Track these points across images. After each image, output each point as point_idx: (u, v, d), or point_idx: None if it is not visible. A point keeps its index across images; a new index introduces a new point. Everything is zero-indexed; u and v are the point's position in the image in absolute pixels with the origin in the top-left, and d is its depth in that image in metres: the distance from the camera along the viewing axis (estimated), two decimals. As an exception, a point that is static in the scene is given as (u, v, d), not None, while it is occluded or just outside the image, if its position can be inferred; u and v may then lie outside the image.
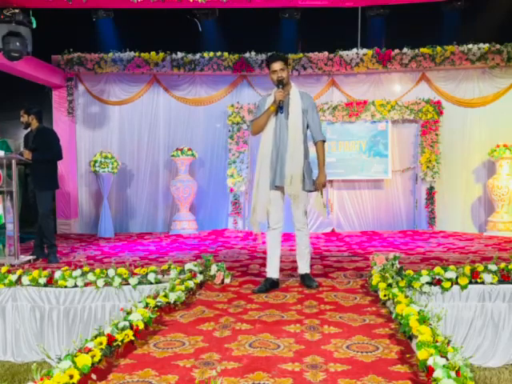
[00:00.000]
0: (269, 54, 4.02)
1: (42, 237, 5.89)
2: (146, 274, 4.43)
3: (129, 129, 8.97)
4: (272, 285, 4.37)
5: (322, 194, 4.36)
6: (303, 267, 4.47)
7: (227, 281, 4.61)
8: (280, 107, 4.19)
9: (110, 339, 2.87)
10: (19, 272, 4.51)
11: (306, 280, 4.44)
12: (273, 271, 4.40)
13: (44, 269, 4.66)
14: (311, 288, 4.34)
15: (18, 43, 5.95)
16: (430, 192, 8.42)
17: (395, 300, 3.55)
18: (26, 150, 5.68)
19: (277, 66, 4.16)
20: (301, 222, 4.34)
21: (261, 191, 4.23)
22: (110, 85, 8.89)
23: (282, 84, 4.17)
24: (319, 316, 3.61)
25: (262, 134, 4.27)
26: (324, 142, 4.34)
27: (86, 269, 4.50)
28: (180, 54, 8.55)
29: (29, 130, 5.98)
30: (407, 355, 2.82)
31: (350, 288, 4.41)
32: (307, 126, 4.33)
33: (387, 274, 4.16)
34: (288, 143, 4.17)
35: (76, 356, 2.59)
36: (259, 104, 4.43)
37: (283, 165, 4.18)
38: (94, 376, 2.54)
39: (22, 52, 6.06)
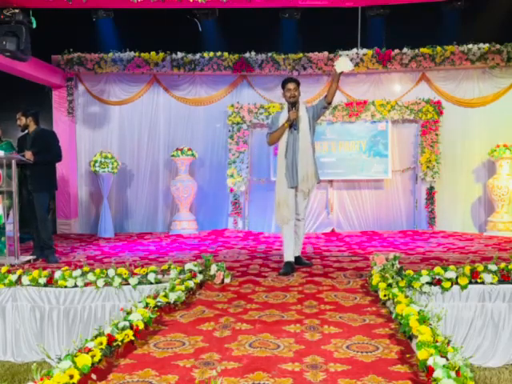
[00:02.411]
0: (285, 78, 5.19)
1: (40, 238, 5.87)
2: (146, 273, 4.43)
3: (129, 129, 8.96)
4: (292, 267, 5.05)
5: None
6: (299, 250, 5.37)
7: (227, 281, 4.61)
8: (294, 125, 4.98)
9: (110, 339, 2.87)
10: (19, 272, 4.51)
11: (301, 260, 5.35)
12: (290, 256, 5.09)
13: (44, 269, 4.66)
14: (308, 265, 5.30)
15: (4, 42, 5.93)
16: (430, 192, 8.42)
17: (395, 300, 3.55)
18: (28, 151, 5.66)
19: (291, 85, 4.99)
20: (302, 213, 5.18)
21: (281, 192, 5.04)
22: (110, 85, 8.88)
23: (294, 102, 4.96)
24: (319, 316, 3.61)
25: (278, 144, 5.12)
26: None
27: (85, 269, 4.50)
28: (180, 54, 8.54)
29: (25, 132, 5.95)
30: (407, 355, 2.82)
31: (350, 288, 4.41)
32: (317, 115, 5.11)
33: (387, 274, 4.16)
34: (299, 151, 4.97)
35: (76, 356, 2.59)
36: (273, 119, 5.26)
37: (296, 169, 4.99)
38: (94, 376, 2.54)
39: (12, 52, 6.04)
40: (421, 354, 2.55)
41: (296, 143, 4.99)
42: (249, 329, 3.37)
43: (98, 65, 8.62)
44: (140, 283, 4.35)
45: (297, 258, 5.23)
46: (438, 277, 4.11)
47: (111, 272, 4.39)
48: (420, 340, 2.71)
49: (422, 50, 8.25)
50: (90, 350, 2.69)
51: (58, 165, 6.17)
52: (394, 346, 3.00)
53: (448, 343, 2.65)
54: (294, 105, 4.98)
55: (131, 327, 3.09)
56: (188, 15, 8.02)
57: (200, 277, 4.50)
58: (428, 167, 8.32)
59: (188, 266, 4.61)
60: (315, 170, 5.07)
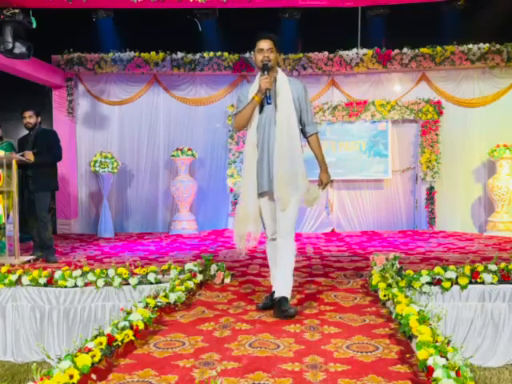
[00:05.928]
0: None
1: (40, 238, 5.87)
2: (146, 273, 4.43)
3: (129, 129, 8.97)
4: (271, 298, 3.71)
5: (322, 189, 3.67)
6: (281, 288, 3.53)
7: (227, 281, 4.61)
8: (267, 97, 3.53)
9: (110, 339, 2.87)
10: (19, 272, 4.51)
11: (281, 304, 3.49)
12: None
13: (44, 269, 4.65)
14: (288, 315, 3.47)
15: None
16: (430, 192, 8.42)
17: (395, 300, 3.55)
18: (29, 151, 5.66)
19: (265, 44, 3.57)
20: (286, 229, 3.54)
21: (248, 200, 3.59)
22: (110, 85, 8.89)
23: (267, 68, 3.55)
24: (319, 316, 3.61)
25: (248, 130, 3.66)
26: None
27: (86, 269, 4.50)
28: (180, 54, 8.55)
29: (26, 133, 5.96)
30: (407, 355, 2.82)
31: (350, 288, 4.41)
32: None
33: (387, 274, 4.15)
34: (276, 139, 3.51)
35: (76, 356, 2.59)
36: (241, 95, 3.77)
37: (272, 166, 3.54)
38: (93, 376, 2.54)
39: (3, 52, 6.07)
40: (421, 354, 2.55)
41: (271, 125, 3.55)
42: (249, 329, 3.37)
43: (98, 65, 8.62)
44: (140, 283, 4.34)
45: (279, 301, 3.52)
46: (437, 277, 4.11)
47: (111, 272, 4.38)
48: (420, 340, 2.71)
49: (421, 49, 8.26)
50: (89, 350, 2.68)
51: (58, 165, 6.18)
52: (394, 346, 3.00)
53: (448, 343, 2.65)
54: (267, 69, 3.56)
55: (131, 327, 3.09)
56: (188, 15, 8.01)
57: (200, 277, 4.50)
58: (428, 167, 8.32)
59: (188, 266, 4.61)
60: (294, 172, 3.51)
